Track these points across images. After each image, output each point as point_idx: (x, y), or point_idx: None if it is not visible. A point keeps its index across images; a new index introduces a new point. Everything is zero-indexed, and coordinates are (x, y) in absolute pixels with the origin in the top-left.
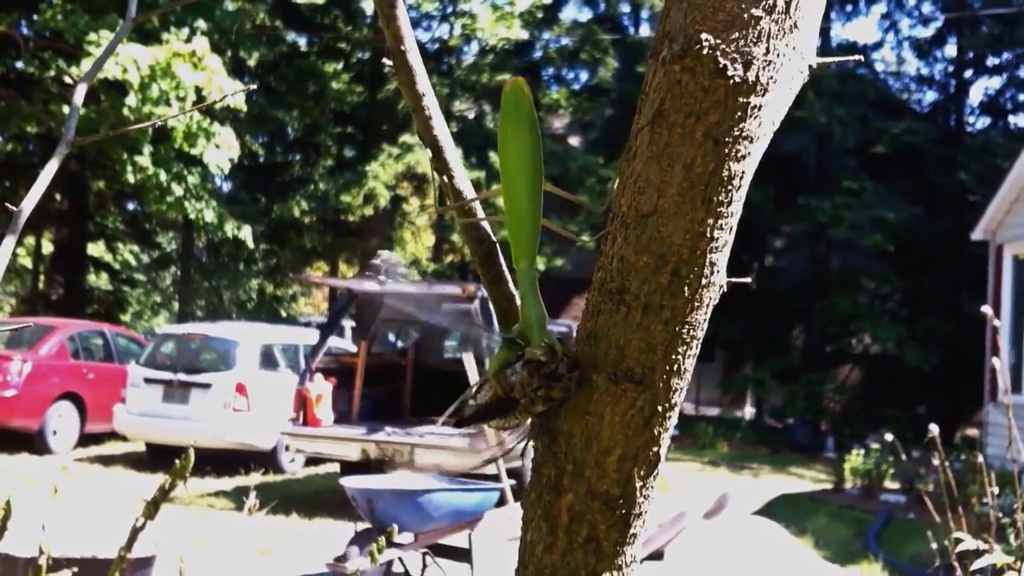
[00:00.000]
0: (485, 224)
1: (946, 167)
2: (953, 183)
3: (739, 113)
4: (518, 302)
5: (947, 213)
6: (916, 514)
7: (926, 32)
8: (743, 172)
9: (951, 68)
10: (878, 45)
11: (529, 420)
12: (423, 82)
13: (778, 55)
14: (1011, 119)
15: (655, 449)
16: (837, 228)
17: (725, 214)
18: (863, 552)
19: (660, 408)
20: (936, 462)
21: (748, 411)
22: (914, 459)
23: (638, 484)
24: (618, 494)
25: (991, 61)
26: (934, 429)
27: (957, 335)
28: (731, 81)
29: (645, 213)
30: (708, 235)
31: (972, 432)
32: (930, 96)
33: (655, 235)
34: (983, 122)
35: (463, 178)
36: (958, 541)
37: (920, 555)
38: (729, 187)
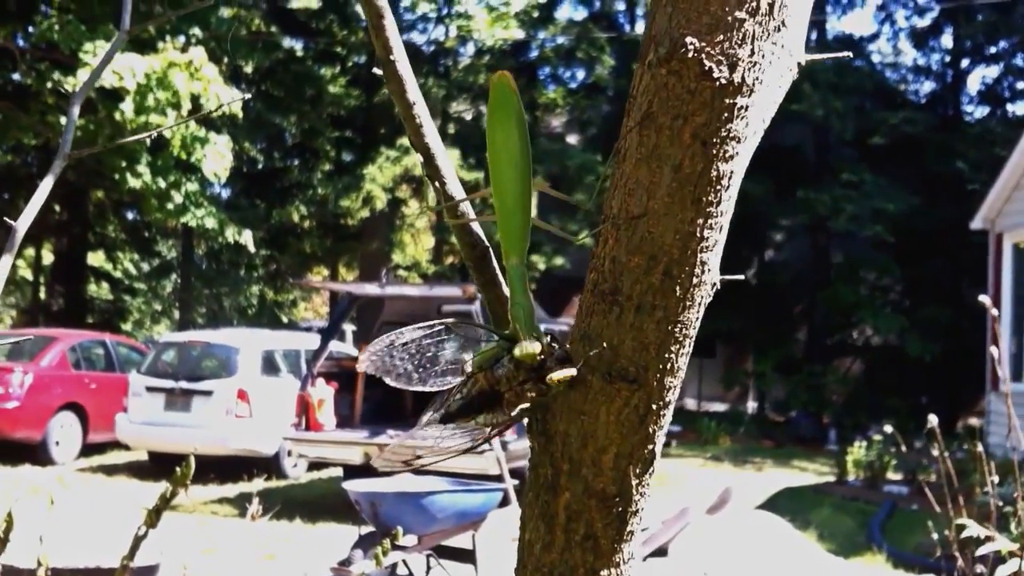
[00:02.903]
0: (479, 229)
1: (945, 156)
2: (952, 172)
3: (726, 114)
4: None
5: (947, 202)
6: (919, 504)
7: (922, 22)
8: (731, 172)
9: (948, 58)
10: (874, 36)
11: (515, 416)
12: (413, 90)
13: (763, 56)
14: (1009, 107)
15: (650, 447)
16: (837, 220)
17: (715, 214)
18: (867, 543)
19: (654, 406)
20: (937, 453)
21: (750, 405)
22: (916, 449)
23: (634, 482)
24: (615, 492)
25: (988, 50)
26: (933, 420)
27: (958, 324)
28: (717, 83)
29: (635, 214)
30: (698, 235)
31: (974, 421)
32: (928, 86)
33: (646, 236)
34: (981, 111)
35: (455, 184)
36: (960, 529)
37: (924, 545)
38: (718, 187)
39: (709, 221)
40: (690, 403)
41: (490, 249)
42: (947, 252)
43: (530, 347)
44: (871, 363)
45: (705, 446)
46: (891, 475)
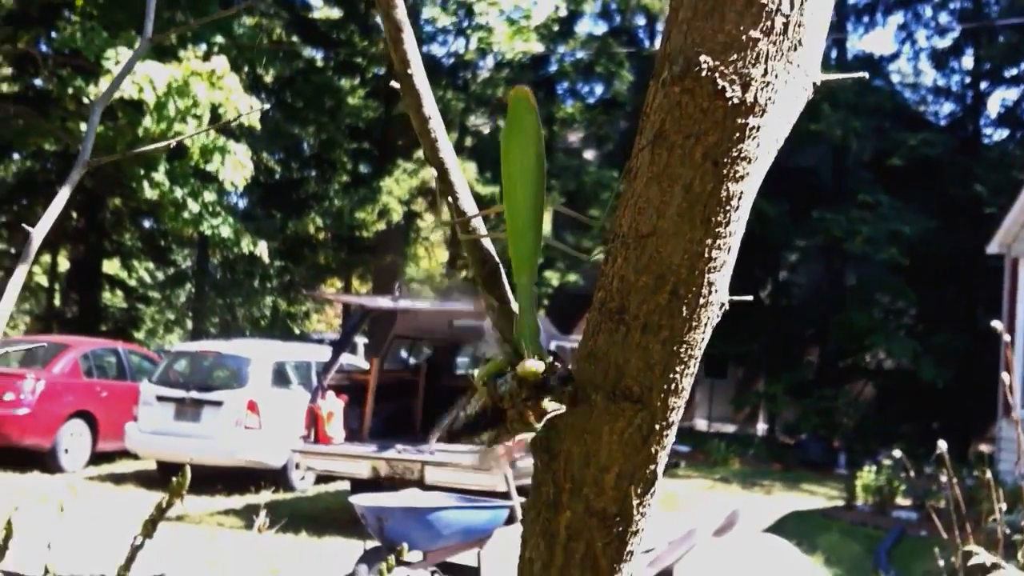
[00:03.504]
0: (490, 246)
1: (963, 179)
2: (969, 195)
3: (737, 134)
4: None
5: (963, 226)
6: (928, 531)
7: (943, 43)
8: (742, 192)
9: (968, 79)
10: (895, 56)
11: (518, 436)
12: (429, 105)
13: (776, 76)
14: None
15: (652, 467)
16: (852, 242)
17: (724, 234)
18: (874, 570)
19: (658, 427)
20: (945, 479)
21: (760, 427)
22: (927, 475)
23: (635, 502)
24: (615, 512)
25: (1008, 72)
26: (942, 446)
27: (972, 350)
28: (730, 102)
29: (644, 233)
30: (707, 255)
31: (985, 448)
32: (947, 107)
33: (654, 255)
34: (1000, 133)
35: (469, 200)
36: (967, 556)
37: (931, 572)
38: (728, 207)
39: (718, 241)
40: (700, 424)
41: (500, 266)
42: (963, 276)
43: (533, 365)
44: (883, 387)
45: (714, 467)
46: (900, 501)
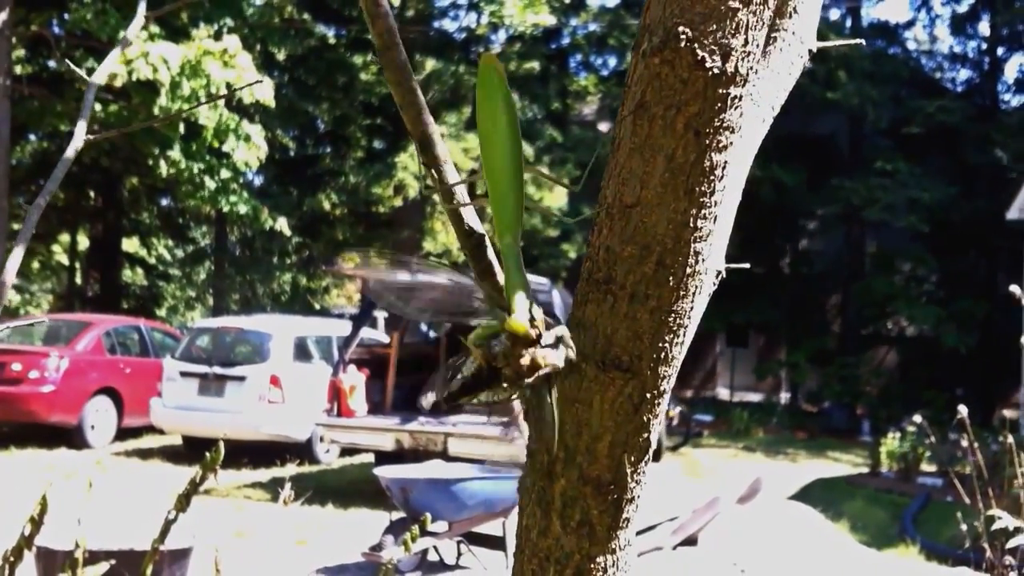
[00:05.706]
0: (475, 218)
1: (981, 145)
2: (989, 161)
3: (719, 104)
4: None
5: (983, 192)
6: (953, 496)
7: (959, 9)
8: (726, 162)
9: (985, 45)
10: (910, 24)
11: (515, 394)
12: (410, 79)
13: (758, 45)
14: None
15: (645, 435)
16: (871, 210)
17: (709, 204)
18: (900, 535)
19: (648, 395)
20: (967, 444)
21: (783, 395)
22: (951, 441)
23: (629, 470)
24: (609, 479)
25: None
26: (963, 411)
27: (994, 316)
28: (710, 73)
29: (629, 204)
30: (691, 225)
31: (1010, 413)
32: (964, 74)
33: (639, 225)
34: (1018, 99)
35: (452, 173)
36: (991, 520)
37: (957, 537)
38: (711, 177)
39: (703, 211)
40: (723, 393)
41: (486, 237)
42: (983, 242)
43: (520, 319)
44: (906, 354)
45: (737, 436)
46: (925, 467)
